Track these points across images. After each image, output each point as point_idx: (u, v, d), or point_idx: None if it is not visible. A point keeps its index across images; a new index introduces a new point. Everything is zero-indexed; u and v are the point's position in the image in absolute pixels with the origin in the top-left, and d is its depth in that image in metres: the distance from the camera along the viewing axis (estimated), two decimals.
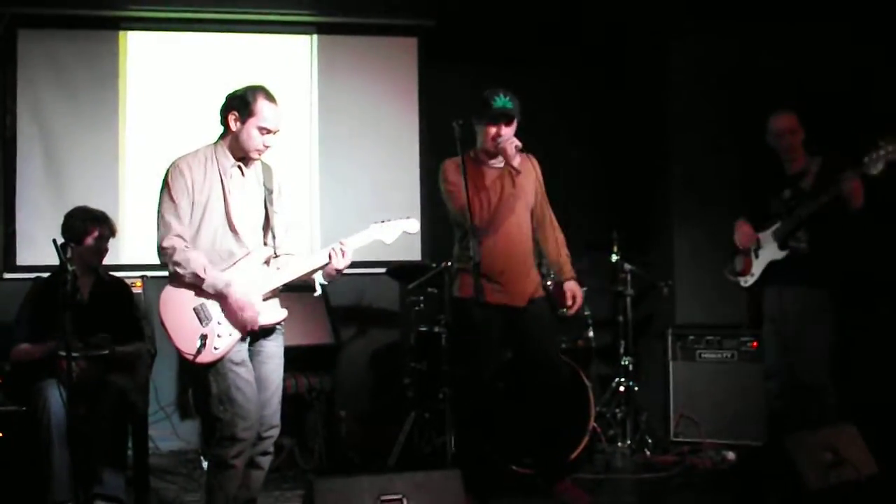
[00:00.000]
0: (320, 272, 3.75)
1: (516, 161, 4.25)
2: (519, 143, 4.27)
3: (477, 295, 4.05)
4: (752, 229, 4.72)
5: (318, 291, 3.82)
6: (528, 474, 4.67)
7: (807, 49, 5.52)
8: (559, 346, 4.99)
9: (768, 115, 4.68)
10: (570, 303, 4.45)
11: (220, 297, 3.57)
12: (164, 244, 3.58)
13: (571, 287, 4.47)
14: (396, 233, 3.86)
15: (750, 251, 4.75)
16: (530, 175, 4.44)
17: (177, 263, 3.56)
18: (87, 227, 4.45)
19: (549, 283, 4.88)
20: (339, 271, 3.69)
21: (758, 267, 4.71)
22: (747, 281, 4.76)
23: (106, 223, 4.53)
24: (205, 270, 3.55)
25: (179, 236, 3.58)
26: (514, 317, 4.36)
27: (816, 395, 4.51)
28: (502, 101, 4.28)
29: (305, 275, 3.73)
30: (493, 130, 4.29)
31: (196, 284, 3.56)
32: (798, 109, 4.65)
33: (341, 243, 3.68)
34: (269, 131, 3.66)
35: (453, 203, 4.34)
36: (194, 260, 3.56)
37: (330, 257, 3.67)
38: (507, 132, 4.28)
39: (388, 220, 3.86)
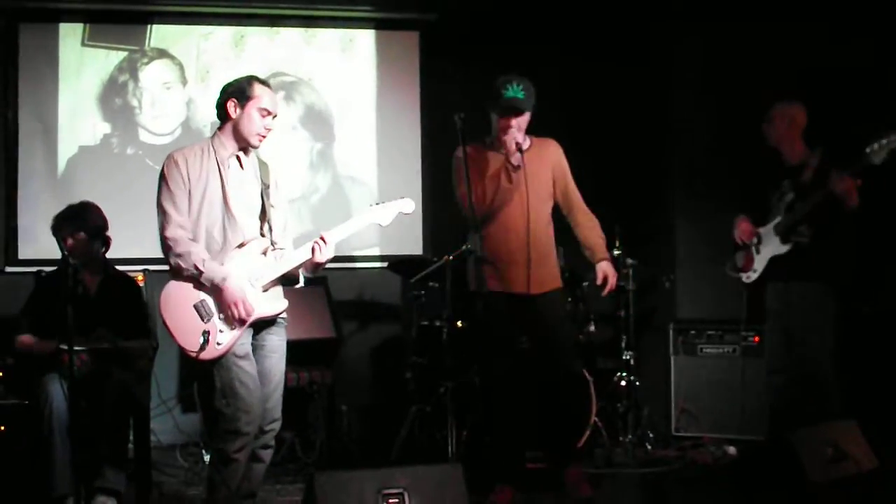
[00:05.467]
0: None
1: (514, 158, 4.22)
2: (520, 141, 4.25)
3: (478, 287, 4.04)
4: (752, 225, 4.71)
5: (301, 283, 3.88)
6: (533, 469, 4.66)
7: (807, 48, 5.50)
8: (574, 337, 4.97)
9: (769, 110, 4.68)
10: (599, 282, 4.44)
11: (216, 291, 3.58)
12: (167, 234, 3.59)
13: (603, 267, 4.45)
14: (392, 213, 3.85)
15: (751, 247, 4.73)
16: (548, 161, 4.42)
17: (178, 255, 3.57)
18: (61, 232, 4.33)
19: (585, 283, 4.87)
20: (321, 264, 3.71)
21: (760, 262, 4.69)
22: (750, 277, 4.74)
23: (79, 218, 4.40)
24: (203, 263, 3.56)
25: (181, 226, 3.59)
26: (521, 308, 4.34)
27: (820, 389, 4.50)
28: (513, 91, 4.22)
29: (292, 269, 3.74)
30: (502, 122, 4.26)
31: (195, 277, 3.57)
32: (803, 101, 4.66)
33: (322, 237, 3.69)
34: (268, 113, 3.68)
35: (455, 193, 4.35)
36: (195, 253, 3.57)
37: (313, 251, 3.68)
38: (517, 123, 4.25)
39: (384, 203, 3.87)
